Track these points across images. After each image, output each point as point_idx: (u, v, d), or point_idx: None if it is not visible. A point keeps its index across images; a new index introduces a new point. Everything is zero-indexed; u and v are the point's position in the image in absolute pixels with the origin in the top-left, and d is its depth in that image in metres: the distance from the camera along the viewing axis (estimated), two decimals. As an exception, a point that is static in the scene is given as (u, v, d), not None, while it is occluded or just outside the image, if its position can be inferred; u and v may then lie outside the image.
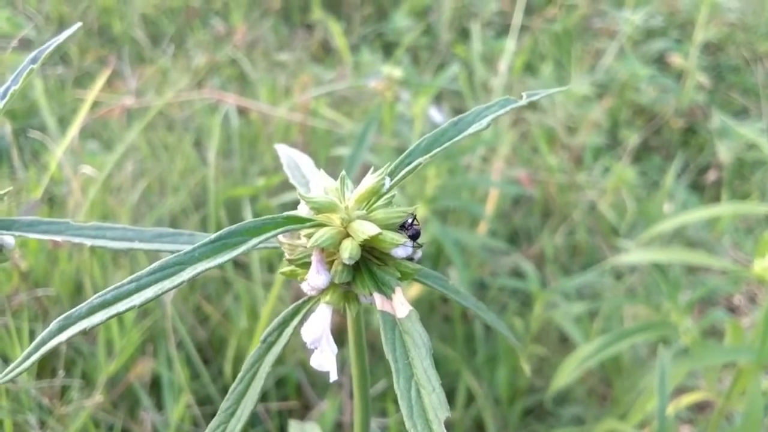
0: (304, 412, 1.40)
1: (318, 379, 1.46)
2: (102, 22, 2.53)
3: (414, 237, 0.43)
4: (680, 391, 1.37)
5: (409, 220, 0.43)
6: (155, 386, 1.34)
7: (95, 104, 1.80)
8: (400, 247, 0.41)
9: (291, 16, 2.79)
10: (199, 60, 2.28)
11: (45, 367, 1.28)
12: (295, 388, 1.43)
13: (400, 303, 0.40)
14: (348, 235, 0.41)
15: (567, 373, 1.29)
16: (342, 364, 1.44)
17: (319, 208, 0.41)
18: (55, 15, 2.43)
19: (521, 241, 1.90)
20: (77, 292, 1.41)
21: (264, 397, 1.37)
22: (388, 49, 2.55)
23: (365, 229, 0.40)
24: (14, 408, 1.09)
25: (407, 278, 0.43)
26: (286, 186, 1.77)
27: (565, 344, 1.66)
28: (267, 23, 2.60)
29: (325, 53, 2.59)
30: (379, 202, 0.43)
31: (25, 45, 2.12)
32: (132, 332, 1.28)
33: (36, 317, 1.30)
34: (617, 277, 1.79)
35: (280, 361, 1.43)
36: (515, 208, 1.98)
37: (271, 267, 1.61)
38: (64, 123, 1.82)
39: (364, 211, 0.43)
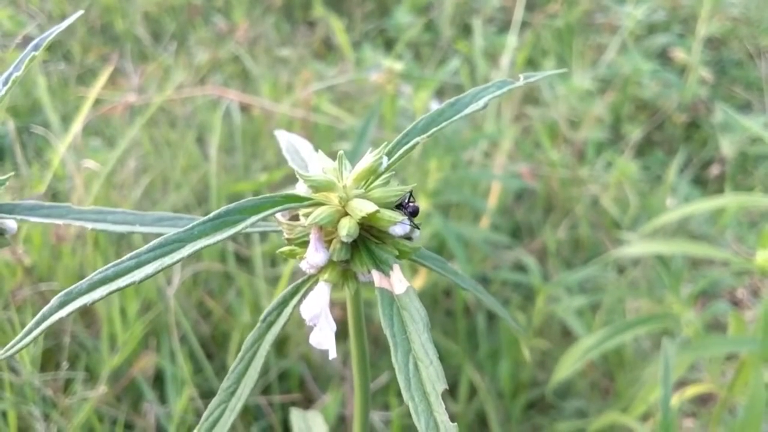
0: (307, 405, 1.41)
1: (321, 373, 1.46)
2: (104, 21, 2.54)
3: (412, 215, 0.43)
4: (682, 384, 1.37)
5: (406, 199, 0.43)
6: (158, 380, 1.35)
7: (98, 101, 1.81)
8: (398, 225, 0.41)
9: (293, 13, 2.79)
10: (201, 57, 2.28)
11: (49, 361, 1.29)
12: (297, 382, 1.43)
13: (398, 280, 0.40)
14: (346, 214, 0.42)
15: (569, 365, 1.29)
16: (344, 357, 1.45)
17: (317, 187, 0.42)
18: (58, 13, 2.44)
19: (523, 236, 1.90)
20: (81, 287, 1.41)
21: (267, 390, 1.37)
22: (389, 46, 2.55)
23: (363, 207, 0.40)
24: (18, 401, 1.10)
25: (405, 257, 0.43)
26: (289, 181, 1.77)
27: (567, 338, 1.66)
28: (269, 20, 2.60)
29: (327, 50, 2.60)
30: (377, 182, 0.43)
31: (28, 43, 2.12)
32: (135, 326, 1.28)
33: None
34: (620, 271, 1.79)
35: (282, 354, 1.44)
36: (517, 203, 1.98)
37: (273, 262, 1.61)
38: (66, 120, 1.83)
39: (362, 190, 0.43)
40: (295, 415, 0.73)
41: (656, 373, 1.30)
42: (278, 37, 2.54)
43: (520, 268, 1.74)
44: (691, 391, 1.21)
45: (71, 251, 1.41)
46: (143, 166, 1.75)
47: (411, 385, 0.35)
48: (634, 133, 2.15)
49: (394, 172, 0.44)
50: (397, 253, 0.42)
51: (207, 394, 1.35)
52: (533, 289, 1.61)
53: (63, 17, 2.45)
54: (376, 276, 0.41)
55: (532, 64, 2.37)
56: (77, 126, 1.58)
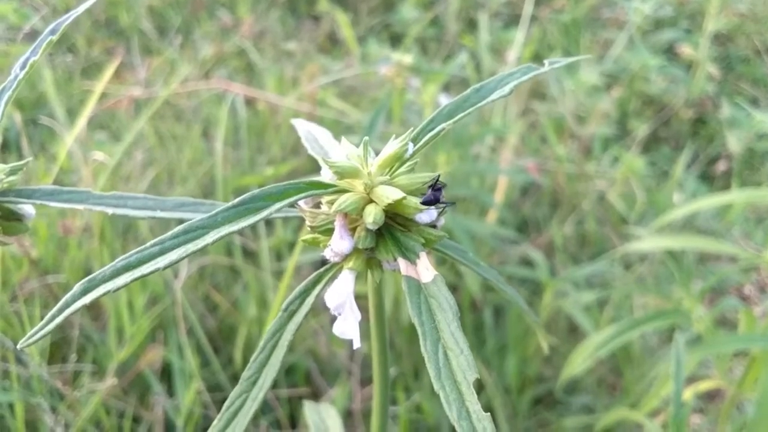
0: (313, 399, 1.40)
1: (327, 367, 1.46)
2: (109, 14, 2.53)
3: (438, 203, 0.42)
4: (691, 380, 1.36)
5: (432, 186, 0.43)
6: (165, 373, 1.34)
7: (103, 95, 1.80)
8: (424, 213, 0.40)
9: (297, 7, 2.78)
10: (206, 51, 2.27)
11: (55, 355, 1.28)
12: (304, 376, 1.43)
13: (424, 268, 0.39)
14: (371, 201, 0.41)
15: (579, 362, 1.28)
16: (350, 351, 1.44)
17: (342, 173, 0.41)
18: (62, 6, 2.43)
19: (530, 231, 1.89)
20: (87, 280, 1.41)
21: (273, 384, 1.37)
22: (395, 41, 2.54)
23: (389, 194, 0.39)
24: (25, 393, 1.09)
25: (431, 245, 0.42)
26: (294, 175, 1.76)
27: (574, 333, 1.65)
28: (273, 15, 2.59)
29: (332, 45, 2.59)
30: (402, 169, 0.43)
31: (33, 37, 2.11)
32: (142, 319, 1.28)
33: (47, 305, 1.30)
34: (626, 266, 1.78)
35: (289, 349, 1.43)
36: (524, 198, 1.98)
37: (279, 256, 1.61)
38: (72, 114, 1.82)
39: (387, 177, 0.42)
40: (309, 408, 0.72)
41: (666, 369, 1.30)
42: (283, 31, 2.53)
43: (527, 263, 1.74)
44: (704, 385, 1.20)
45: (77, 244, 1.40)
46: (149, 160, 1.75)
47: (441, 374, 0.34)
48: (641, 129, 2.14)
49: (418, 160, 0.43)
50: (423, 241, 0.41)
51: (214, 388, 1.34)
52: (540, 284, 1.60)
53: (67, 10, 2.44)
54: (403, 264, 0.40)
55: (538, 59, 2.36)
56: (83, 119, 1.57)
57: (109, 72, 1.67)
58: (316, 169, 1.74)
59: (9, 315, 1.20)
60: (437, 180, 0.41)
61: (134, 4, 2.52)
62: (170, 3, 2.58)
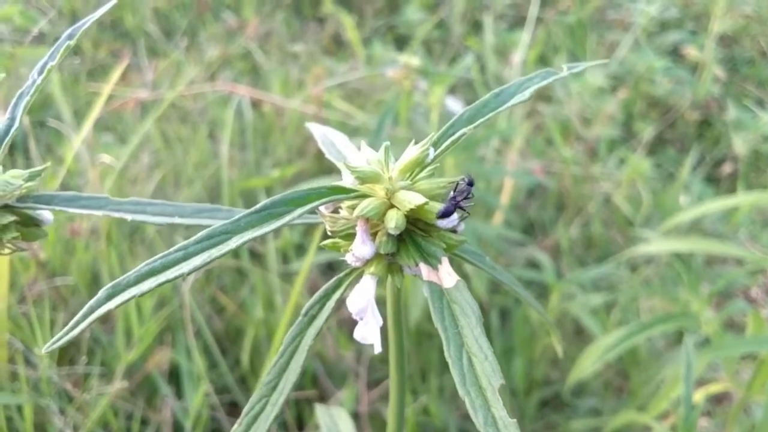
0: (320, 402, 1.40)
1: (334, 370, 1.46)
2: (114, 16, 2.53)
3: (460, 208, 0.42)
4: (698, 383, 1.36)
5: (452, 192, 0.43)
6: (173, 375, 1.34)
7: (109, 97, 1.80)
8: (446, 218, 0.40)
9: (302, 9, 2.79)
10: (211, 53, 2.28)
11: (64, 357, 1.28)
12: (311, 378, 1.43)
13: (447, 273, 0.39)
14: (392, 206, 0.41)
15: (587, 365, 1.28)
16: (358, 354, 1.44)
17: (363, 178, 0.41)
18: (68, 9, 2.43)
19: (536, 233, 1.89)
20: (94, 282, 1.41)
21: (281, 386, 1.37)
22: (399, 43, 2.54)
23: (411, 199, 0.39)
24: (34, 395, 1.10)
25: (452, 250, 0.42)
26: (300, 178, 1.76)
27: (580, 336, 1.65)
28: (278, 17, 2.59)
29: (337, 47, 2.59)
30: (422, 174, 0.43)
31: (40, 40, 2.12)
32: (150, 322, 1.28)
33: (55, 307, 1.31)
34: (633, 269, 1.78)
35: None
36: (530, 200, 1.98)
37: (286, 258, 1.61)
38: (78, 116, 1.82)
39: (409, 182, 0.42)
40: (321, 410, 0.72)
41: (675, 371, 1.30)
42: (288, 33, 2.53)
43: (533, 265, 1.74)
44: (713, 388, 1.20)
45: (85, 246, 1.41)
46: (155, 162, 1.75)
47: (466, 380, 0.34)
48: (647, 131, 2.14)
49: (439, 164, 0.43)
50: (444, 246, 0.41)
51: (222, 390, 1.34)
52: (546, 287, 1.60)
53: (73, 13, 2.44)
54: (424, 269, 0.40)
55: (543, 60, 2.36)
56: (90, 121, 1.57)
57: (116, 74, 1.67)
58: (322, 171, 1.74)
59: (18, 317, 1.20)
60: (469, 182, 0.41)
61: (140, 6, 2.53)
62: (176, 5, 2.58)
